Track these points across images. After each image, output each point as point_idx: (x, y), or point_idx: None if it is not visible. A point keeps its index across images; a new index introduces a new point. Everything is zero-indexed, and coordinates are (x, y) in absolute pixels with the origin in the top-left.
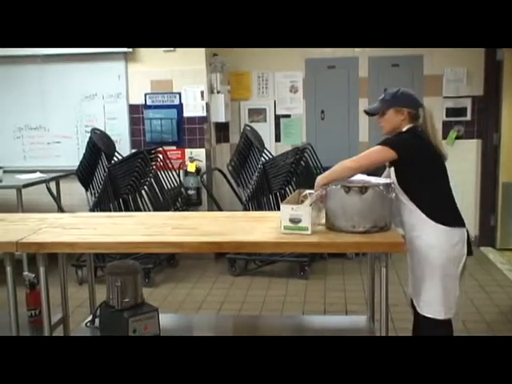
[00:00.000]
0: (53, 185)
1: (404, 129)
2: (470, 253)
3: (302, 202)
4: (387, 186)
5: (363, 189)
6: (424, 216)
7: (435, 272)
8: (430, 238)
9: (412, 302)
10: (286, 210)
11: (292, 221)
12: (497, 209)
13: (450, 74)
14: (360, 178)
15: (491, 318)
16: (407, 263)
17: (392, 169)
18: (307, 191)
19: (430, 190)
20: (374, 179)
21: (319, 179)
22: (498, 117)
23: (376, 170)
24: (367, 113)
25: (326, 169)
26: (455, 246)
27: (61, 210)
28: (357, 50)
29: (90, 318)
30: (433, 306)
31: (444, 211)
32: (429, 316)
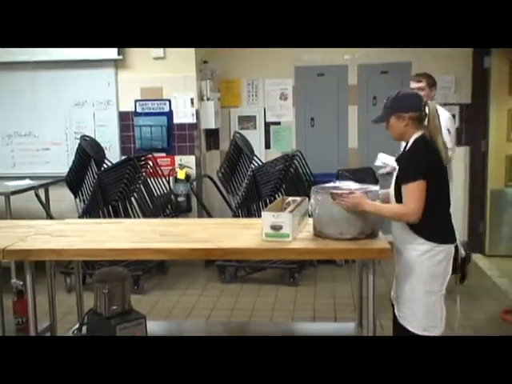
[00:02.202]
0: (42, 192)
1: (412, 139)
2: (454, 271)
3: (285, 209)
4: (374, 193)
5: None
6: (410, 230)
7: (417, 287)
8: (415, 252)
9: (393, 305)
10: (268, 217)
11: (273, 228)
12: (485, 215)
13: (438, 81)
14: (348, 184)
15: (479, 324)
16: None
17: (393, 176)
18: (290, 198)
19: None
20: (361, 186)
21: (362, 203)
22: (485, 124)
23: (364, 177)
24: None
25: (315, 176)
26: (440, 263)
27: (50, 216)
28: (346, 57)
29: (77, 325)
30: (410, 320)
31: (432, 227)
32: (406, 328)
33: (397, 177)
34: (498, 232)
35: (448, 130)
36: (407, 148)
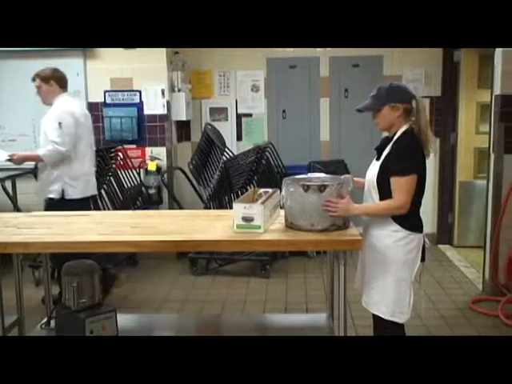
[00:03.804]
0: (9, 184)
1: (400, 131)
2: (423, 259)
3: (257, 200)
4: (345, 183)
5: (322, 187)
6: (388, 217)
7: (389, 273)
8: (389, 239)
9: None
10: (239, 208)
11: (245, 219)
12: (454, 207)
13: (409, 74)
14: (318, 175)
15: (448, 313)
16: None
17: (379, 162)
18: (262, 190)
19: None
20: (332, 177)
21: (350, 209)
22: (455, 117)
23: (336, 169)
24: (359, 111)
25: (287, 168)
26: (412, 250)
27: (17, 209)
28: (318, 49)
29: (45, 319)
30: (379, 306)
31: (408, 216)
32: (376, 314)
33: (382, 166)
34: (467, 223)
35: (59, 124)
36: (396, 139)
